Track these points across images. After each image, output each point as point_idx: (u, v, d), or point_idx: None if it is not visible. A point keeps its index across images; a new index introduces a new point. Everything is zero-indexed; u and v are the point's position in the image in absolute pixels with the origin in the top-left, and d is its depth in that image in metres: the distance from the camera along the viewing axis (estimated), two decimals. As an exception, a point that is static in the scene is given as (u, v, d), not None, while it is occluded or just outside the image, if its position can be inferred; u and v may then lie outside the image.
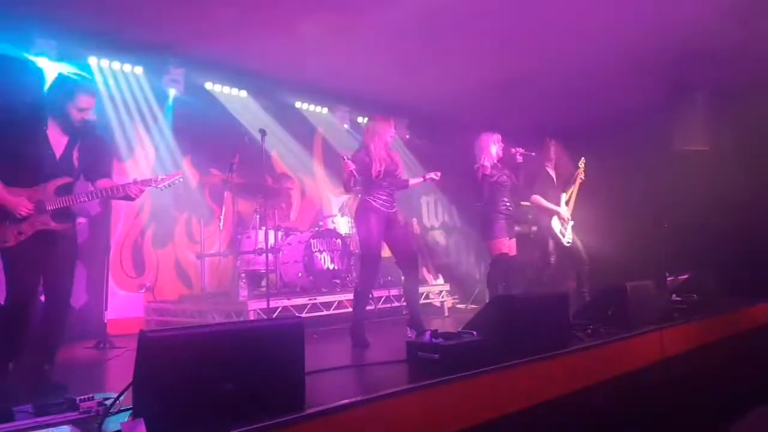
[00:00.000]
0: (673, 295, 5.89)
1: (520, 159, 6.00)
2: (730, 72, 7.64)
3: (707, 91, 8.05)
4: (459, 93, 8.57)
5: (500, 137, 5.99)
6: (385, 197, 5.04)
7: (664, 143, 8.31)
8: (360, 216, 5.05)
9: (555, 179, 6.67)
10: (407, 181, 5.45)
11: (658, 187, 8.48)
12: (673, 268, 6.73)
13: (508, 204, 5.92)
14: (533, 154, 6.24)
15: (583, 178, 6.64)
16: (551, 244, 6.52)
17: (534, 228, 7.33)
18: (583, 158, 6.71)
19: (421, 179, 5.53)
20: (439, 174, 5.44)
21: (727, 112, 8.19)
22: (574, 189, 6.63)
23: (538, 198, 6.59)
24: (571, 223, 6.59)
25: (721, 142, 8.23)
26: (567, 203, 6.61)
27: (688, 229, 7.74)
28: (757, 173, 7.99)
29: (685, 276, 6.49)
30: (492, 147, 5.89)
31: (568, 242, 6.51)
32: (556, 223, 6.52)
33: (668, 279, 6.49)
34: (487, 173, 5.76)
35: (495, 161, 5.90)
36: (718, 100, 8.11)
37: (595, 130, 8.63)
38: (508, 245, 5.93)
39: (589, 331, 4.35)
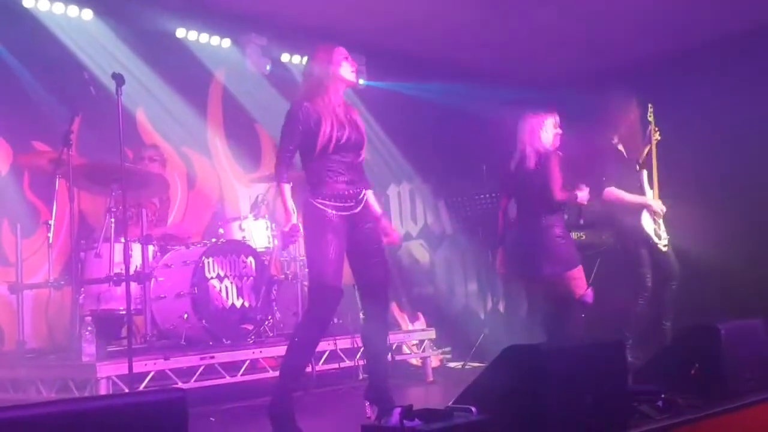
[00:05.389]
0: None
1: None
2: None
3: None
4: (442, 15, 8.64)
5: (555, 119, 6.35)
6: (341, 189, 5.04)
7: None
8: (308, 229, 5.06)
9: (627, 156, 6.94)
10: None
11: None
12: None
13: None
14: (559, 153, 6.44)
15: (659, 137, 6.86)
16: (644, 256, 6.73)
17: (604, 236, 7.55)
18: (650, 105, 6.94)
19: None
20: None
21: None
22: (653, 158, 6.85)
23: (614, 191, 6.79)
24: (663, 210, 6.85)
25: None
26: (650, 185, 6.88)
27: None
28: None
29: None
30: (543, 131, 6.31)
31: (665, 246, 6.74)
32: (648, 221, 6.75)
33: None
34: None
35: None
36: None
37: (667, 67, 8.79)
38: None
39: (660, 403, 4.43)
